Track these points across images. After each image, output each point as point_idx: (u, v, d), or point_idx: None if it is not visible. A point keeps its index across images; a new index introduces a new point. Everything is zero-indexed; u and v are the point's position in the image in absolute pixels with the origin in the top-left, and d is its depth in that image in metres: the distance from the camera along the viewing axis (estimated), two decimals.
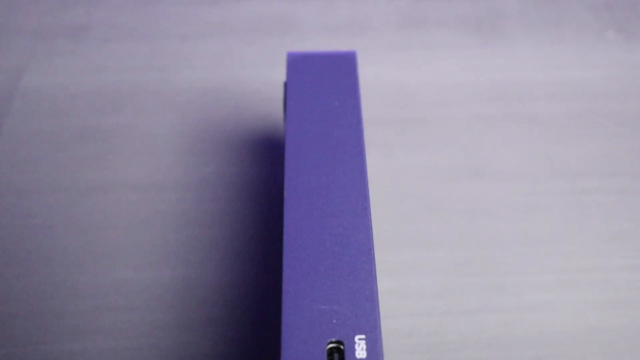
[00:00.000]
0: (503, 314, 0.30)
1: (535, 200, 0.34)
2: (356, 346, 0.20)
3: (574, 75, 0.40)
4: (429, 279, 0.31)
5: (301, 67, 0.29)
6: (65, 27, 0.42)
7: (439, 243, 0.32)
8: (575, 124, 0.37)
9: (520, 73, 0.40)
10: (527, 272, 0.31)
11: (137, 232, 0.32)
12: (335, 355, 0.20)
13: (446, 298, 0.30)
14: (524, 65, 0.40)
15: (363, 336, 0.20)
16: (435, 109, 0.38)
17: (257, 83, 0.39)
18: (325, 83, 0.29)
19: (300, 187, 0.24)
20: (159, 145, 0.36)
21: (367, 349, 0.20)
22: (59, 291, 0.30)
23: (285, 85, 0.29)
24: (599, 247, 0.32)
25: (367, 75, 0.38)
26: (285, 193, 0.24)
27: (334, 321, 0.20)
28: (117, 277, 0.31)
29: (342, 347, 0.20)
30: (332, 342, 0.20)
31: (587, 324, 0.29)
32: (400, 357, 0.28)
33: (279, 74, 0.38)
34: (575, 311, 0.30)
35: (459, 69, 0.40)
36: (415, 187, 0.34)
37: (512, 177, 0.35)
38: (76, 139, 0.36)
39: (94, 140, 0.36)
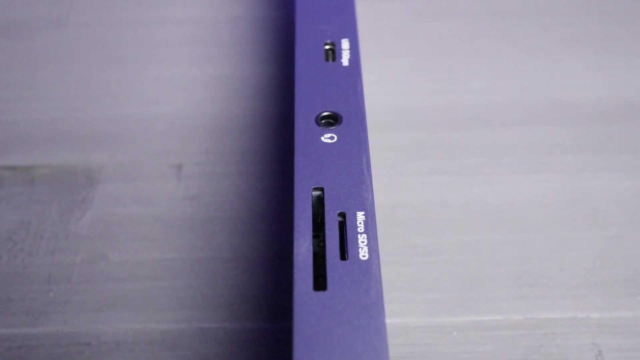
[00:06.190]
0: (453, 94, 0.41)
1: (479, 30, 0.45)
2: (342, 45, 0.32)
3: None
4: (399, 76, 0.42)
5: None
6: None
7: (407, 54, 0.44)
8: None
9: None
10: (470, 72, 0.43)
11: (186, 46, 0.44)
12: (329, 53, 0.32)
13: (411, 85, 0.42)
14: None
15: (347, 39, 0.32)
16: None
17: None
18: None
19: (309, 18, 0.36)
20: None
21: (349, 50, 0.32)
22: (129, 84, 0.42)
23: None
24: (520, 55, 0.43)
25: None
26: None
27: (328, 33, 0.32)
28: (174, 72, 0.42)
29: (334, 47, 0.32)
30: (327, 44, 0.32)
31: (511, 99, 0.41)
32: (380, 115, 0.40)
33: None
34: (505, 92, 0.41)
35: None
36: (391, 22, 0.46)
37: (462, 17, 0.46)
38: None
39: None
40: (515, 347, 0.30)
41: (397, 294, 0.32)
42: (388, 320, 0.31)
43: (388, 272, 0.32)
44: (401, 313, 0.31)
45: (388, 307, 0.31)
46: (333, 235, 0.24)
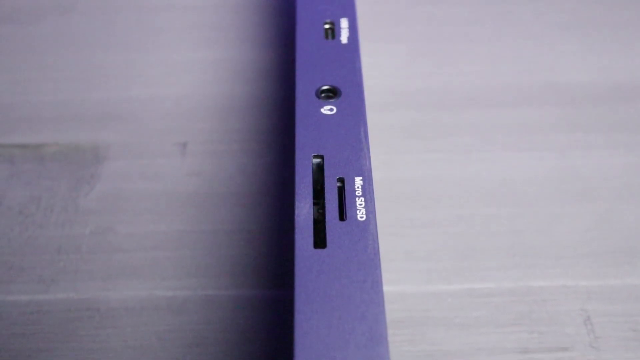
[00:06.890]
0: (449, 77, 0.42)
1: (474, 16, 0.47)
2: (341, 24, 0.33)
3: None
4: (396, 59, 0.44)
5: None
6: None
7: (404, 39, 0.45)
8: None
9: None
10: (466, 56, 0.44)
11: (191, 31, 0.45)
12: (329, 32, 0.33)
13: (408, 68, 0.43)
14: None
15: (346, 18, 0.33)
16: None
17: None
18: None
19: None
20: None
21: (348, 28, 0.33)
22: (135, 67, 0.43)
23: None
24: (514, 39, 0.45)
25: None
26: None
27: (328, 12, 0.34)
28: (179, 56, 0.44)
29: (333, 27, 0.33)
30: (327, 23, 0.33)
31: (505, 81, 0.42)
32: (378, 96, 0.41)
33: None
34: (499, 75, 0.42)
35: None
36: (389, 8, 0.47)
37: (458, 3, 0.48)
38: None
39: None
40: (507, 312, 0.31)
41: (395, 263, 0.33)
42: (386, 288, 0.32)
43: (386, 244, 0.34)
44: (398, 281, 0.32)
45: (386, 276, 0.32)
46: (332, 199, 0.26)
